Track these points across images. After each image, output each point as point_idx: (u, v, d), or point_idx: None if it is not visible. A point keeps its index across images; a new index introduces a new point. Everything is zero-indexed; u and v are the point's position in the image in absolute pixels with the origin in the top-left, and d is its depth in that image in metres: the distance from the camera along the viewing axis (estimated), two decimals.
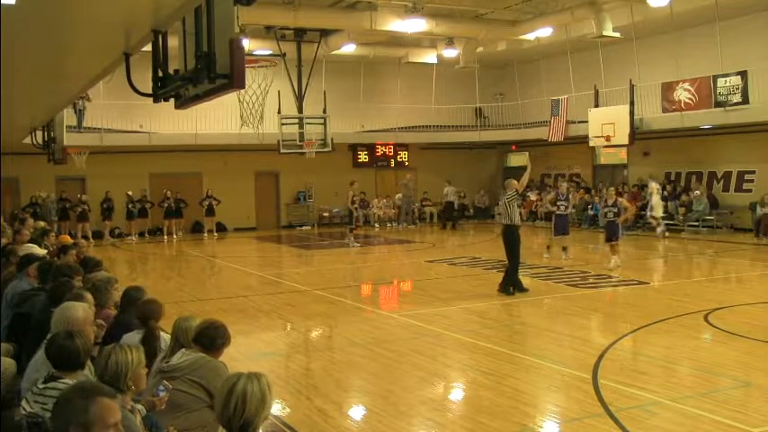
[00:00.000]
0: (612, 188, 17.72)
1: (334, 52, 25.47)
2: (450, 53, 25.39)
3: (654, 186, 22.68)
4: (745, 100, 20.18)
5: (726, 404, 6.80)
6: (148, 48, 5.82)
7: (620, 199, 16.05)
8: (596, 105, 24.27)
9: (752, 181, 22.93)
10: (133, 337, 5.43)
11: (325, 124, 24.54)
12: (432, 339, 9.89)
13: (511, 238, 12.83)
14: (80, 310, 4.85)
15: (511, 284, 12.80)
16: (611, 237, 15.56)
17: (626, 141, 23.00)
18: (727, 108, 20.62)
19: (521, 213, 13.12)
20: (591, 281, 14.34)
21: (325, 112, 24.82)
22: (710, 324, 10.11)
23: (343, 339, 10.49)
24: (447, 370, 8.71)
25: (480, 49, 26.00)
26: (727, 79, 20.61)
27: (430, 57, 27.72)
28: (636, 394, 7.11)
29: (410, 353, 9.21)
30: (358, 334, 10.45)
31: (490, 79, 30.60)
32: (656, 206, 22.19)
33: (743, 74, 20.23)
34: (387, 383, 7.96)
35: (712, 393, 7.19)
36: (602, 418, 6.50)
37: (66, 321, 4.68)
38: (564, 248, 16.96)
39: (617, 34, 21.94)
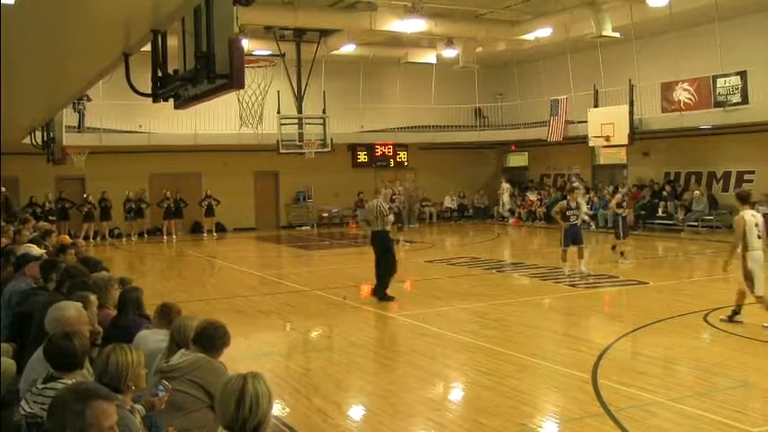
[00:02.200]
0: (581, 189, 17.55)
1: (333, 52, 25.46)
2: (450, 53, 25.38)
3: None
4: (745, 100, 20.17)
5: (725, 404, 6.80)
6: (148, 48, 5.82)
7: (579, 200, 15.73)
8: (596, 105, 24.26)
9: (751, 181, 22.90)
10: (158, 335, 5.43)
11: (324, 124, 24.53)
12: (431, 339, 9.89)
13: (381, 244, 12.70)
14: (72, 310, 4.84)
15: (384, 289, 12.57)
16: (577, 241, 15.18)
17: (625, 141, 22.99)
18: (726, 108, 20.61)
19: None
20: (590, 281, 14.34)
21: (324, 112, 24.81)
22: (710, 324, 10.10)
23: (343, 339, 10.49)
24: (447, 370, 8.71)
25: (480, 49, 25.99)
26: (727, 79, 20.60)
27: (429, 57, 27.71)
28: (635, 394, 7.11)
29: (410, 353, 9.21)
30: (357, 334, 10.45)
31: (490, 79, 30.58)
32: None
33: (742, 74, 20.22)
34: (386, 383, 7.96)
35: (712, 393, 7.19)
36: (601, 417, 6.50)
37: (58, 321, 4.68)
38: (578, 255, 16.32)
39: (616, 34, 21.92)
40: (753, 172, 22.94)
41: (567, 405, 7.08)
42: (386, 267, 12.65)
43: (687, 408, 6.71)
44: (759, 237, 9.65)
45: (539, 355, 8.88)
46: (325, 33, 24.47)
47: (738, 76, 20.33)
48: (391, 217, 13.11)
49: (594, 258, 17.26)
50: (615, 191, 25.11)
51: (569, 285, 13.95)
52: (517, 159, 32.71)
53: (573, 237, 15.11)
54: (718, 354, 8.94)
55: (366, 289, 13.34)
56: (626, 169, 26.51)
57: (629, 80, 22.83)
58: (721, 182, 23.75)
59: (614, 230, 17.42)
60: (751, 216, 9.70)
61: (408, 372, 8.43)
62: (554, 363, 8.49)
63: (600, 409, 6.71)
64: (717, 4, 19.82)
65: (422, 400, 7.33)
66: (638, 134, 22.95)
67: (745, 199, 9.98)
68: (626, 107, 22.77)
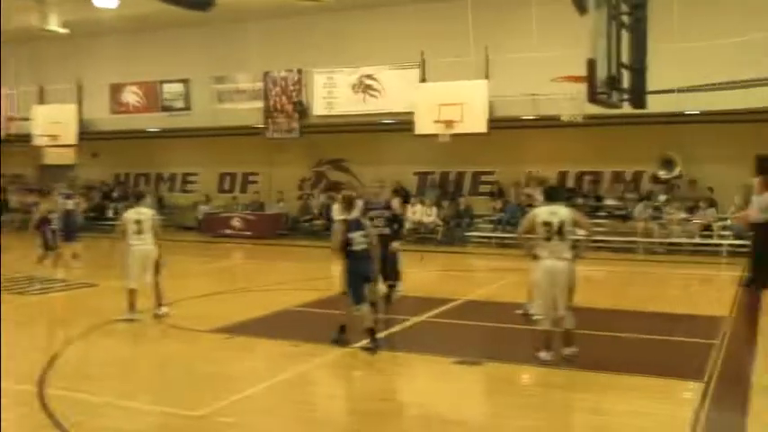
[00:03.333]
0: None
1: None
2: None
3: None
4: (188, 106, 21.58)
5: (173, 395, 7.20)
6: None
7: None
8: (42, 102, 23.21)
9: (195, 182, 24.66)
10: None
11: None
12: None
13: None
14: None
15: None
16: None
17: (73, 141, 22.56)
18: (172, 113, 21.74)
19: None
20: (38, 287, 13.59)
21: None
22: (160, 322, 10.45)
23: None
24: None
25: None
26: (172, 85, 21.75)
27: None
28: (85, 399, 7.02)
29: None
30: None
31: None
32: None
33: (185, 82, 21.57)
34: None
35: (160, 387, 7.58)
36: (48, 429, 6.24)
37: None
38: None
39: (63, 29, 21.21)
40: (197, 174, 24.66)
41: (11, 423, 6.62)
42: None
43: (137, 404, 6.89)
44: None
45: None
46: None
47: (182, 84, 21.62)
48: None
49: (49, 262, 16.31)
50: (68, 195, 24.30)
51: (13, 293, 13.05)
52: None
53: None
54: (171, 348, 9.36)
55: None
56: (75, 170, 25.86)
57: (78, 78, 22.39)
58: (168, 183, 24.92)
59: (64, 233, 16.83)
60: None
61: None
62: None
63: (47, 420, 6.42)
64: (159, 13, 20.57)
65: None
66: (86, 134, 22.67)
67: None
68: (74, 106, 22.33)
